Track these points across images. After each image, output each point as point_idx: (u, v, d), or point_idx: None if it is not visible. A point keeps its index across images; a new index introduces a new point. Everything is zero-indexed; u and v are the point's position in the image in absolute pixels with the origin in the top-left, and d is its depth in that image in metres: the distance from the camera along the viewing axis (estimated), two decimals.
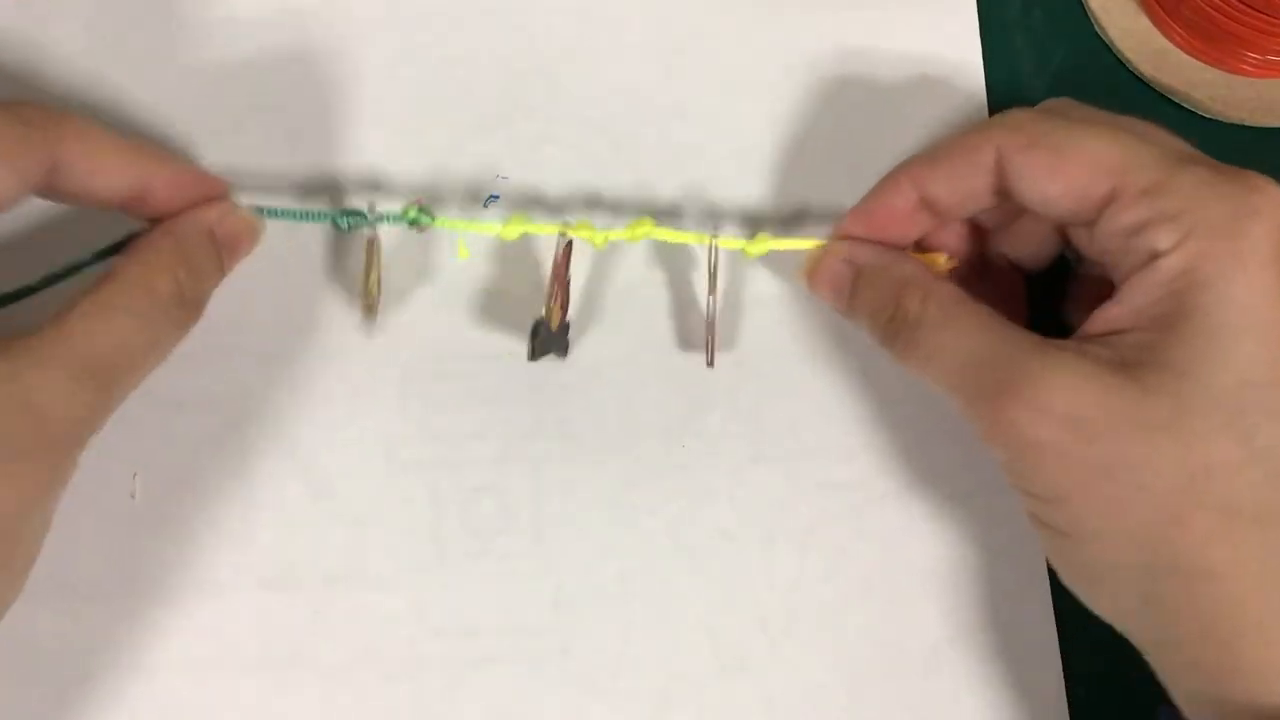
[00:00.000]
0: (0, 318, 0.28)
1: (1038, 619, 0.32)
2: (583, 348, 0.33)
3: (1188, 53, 0.37)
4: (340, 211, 0.31)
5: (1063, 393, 0.24)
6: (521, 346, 0.33)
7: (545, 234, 0.31)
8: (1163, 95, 0.37)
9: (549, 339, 0.31)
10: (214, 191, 0.29)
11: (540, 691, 0.30)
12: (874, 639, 0.31)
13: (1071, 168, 0.26)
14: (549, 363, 0.33)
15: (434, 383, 0.32)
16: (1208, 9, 0.35)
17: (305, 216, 0.31)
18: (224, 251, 0.29)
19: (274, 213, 0.30)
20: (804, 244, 0.31)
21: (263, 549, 0.31)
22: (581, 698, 0.30)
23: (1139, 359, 0.25)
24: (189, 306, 0.27)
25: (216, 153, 0.33)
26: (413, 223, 0.31)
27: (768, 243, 0.32)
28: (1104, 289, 0.28)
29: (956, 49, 0.36)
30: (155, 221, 0.28)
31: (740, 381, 0.33)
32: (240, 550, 0.31)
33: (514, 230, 0.31)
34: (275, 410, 0.32)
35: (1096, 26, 0.37)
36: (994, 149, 0.27)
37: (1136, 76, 0.37)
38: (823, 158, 0.35)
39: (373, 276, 0.30)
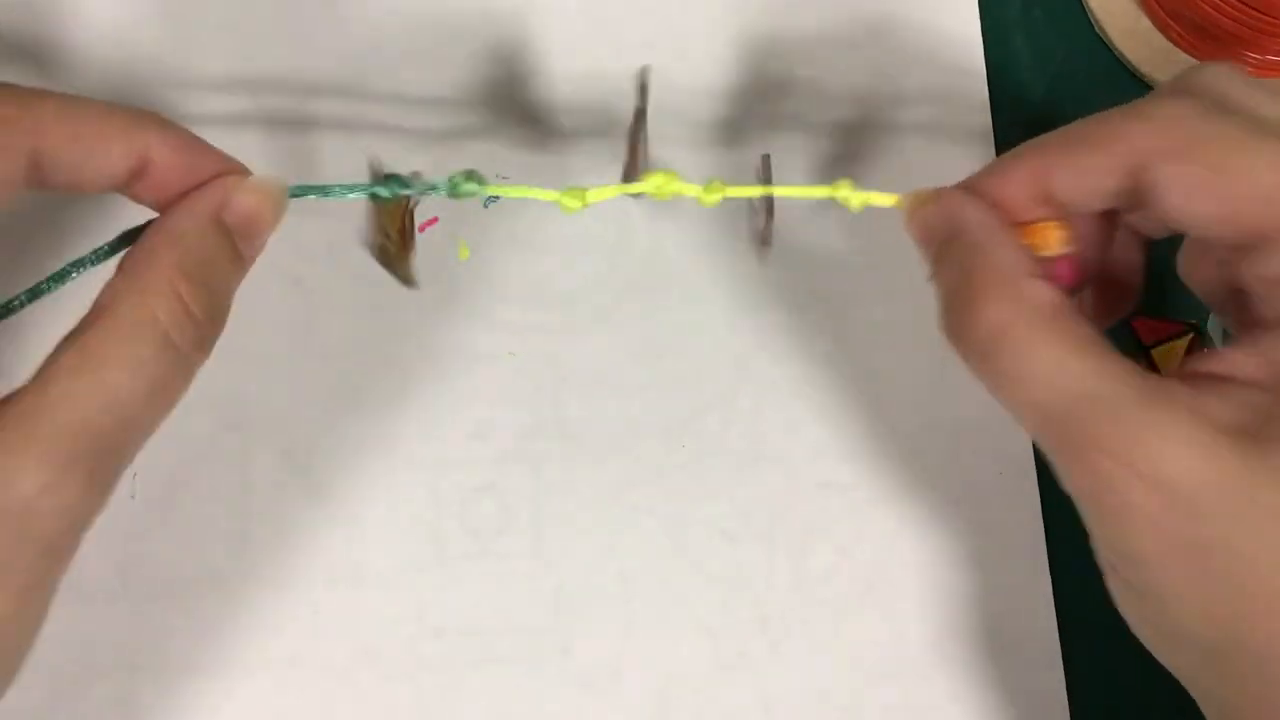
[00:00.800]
0: None
1: (1038, 619, 0.32)
2: (583, 348, 0.33)
3: (1188, 53, 0.37)
4: (380, 180, 0.26)
5: (1167, 459, 0.21)
6: (521, 346, 0.33)
7: (610, 196, 0.27)
8: None
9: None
10: (220, 165, 0.24)
11: (540, 691, 0.30)
12: (874, 639, 0.31)
13: (1231, 191, 0.22)
14: (548, 362, 0.33)
15: (434, 382, 0.32)
16: (1208, 9, 0.35)
17: (339, 192, 0.25)
18: (240, 239, 0.23)
19: (305, 190, 0.25)
20: (902, 197, 0.26)
21: (263, 549, 0.31)
22: (581, 698, 0.30)
23: (1263, 429, 0.21)
24: (201, 327, 0.22)
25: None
26: (454, 193, 0.26)
27: (863, 195, 0.27)
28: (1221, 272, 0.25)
29: (956, 48, 0.36)
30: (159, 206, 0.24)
31: (740, 381, 0.33)
32: (240, 550, 0.31)
33: (573, 200, 0.27)
34: (275, 411, 0.32)
35: (1096, 27, 0.37)
36: (1134, 150, 0.23)
37: (1136, 76, 0.37)
38: (822, 158, 0.35)
39: (393, 234, 0.27)
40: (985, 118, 0.36)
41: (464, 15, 0.36)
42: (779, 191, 0.27)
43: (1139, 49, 0.37)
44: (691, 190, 0.27)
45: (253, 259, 0.24)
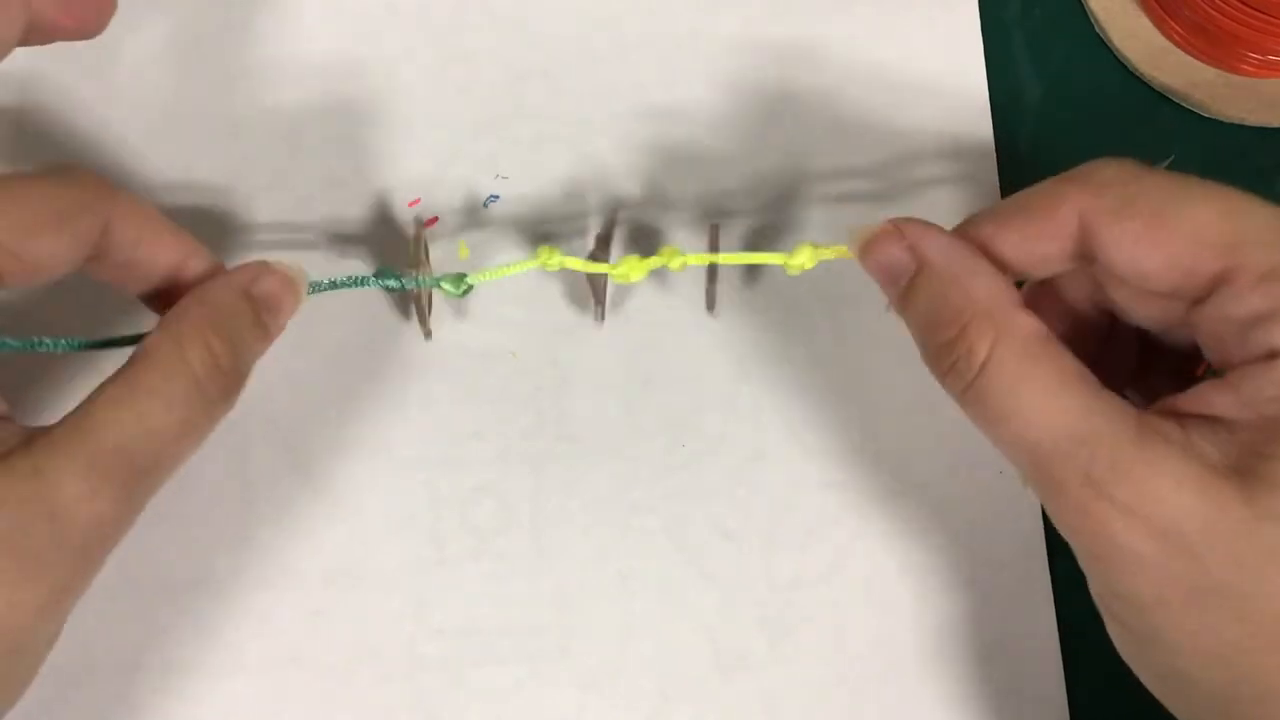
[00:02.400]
0: (21, 406, 0.27)
1: (1038, 620, 0.32)
2: (583, 348, 0.33)
3: (1188, 53, 0.37)
4: (383, 275, 0.29)
5: (1166, 501, 0.21)
6: (521, 346, 0.33)
7: (580, 267, 0.30)
8: (1163, 95, 0.37)
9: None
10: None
11: (540, 691, 0.30)
12: (874, 639, 0.31)
13: (1174, 239, 0.22)
14: (548, 362, 0.33)
15: (434, 382, 0.32)
16: (1208, 9, 0.35)
17: (349, 283, 0.29)
18: (265, 312, 0.26)
19: (317, 286, 0.28)
20: (839, 251, 0.27)
21: (262, 549, 0.31)
22: (581, 698, 0.30)
23: (1252, 467, 0.21)
24: (227, 378, 0.25)
25: (220, 155, 0.34)
26: (451, 291, 0.30)
27: (809, 251, 0.28)
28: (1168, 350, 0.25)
29: (956, 49, 0.36)
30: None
31: (740, 381, 0.33)
32: (240, 550, 0.31)
33: (554, 261, 0.29)
34: (275, 410, 0.32)
35: (1096, 26, 0.37)
36: (1076, 211, 0.23)
37: (1136, 76, 0.37)
38: (821, 157, 0.35)
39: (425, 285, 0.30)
40: (985, 118, 0.36)
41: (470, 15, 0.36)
42: (727, 259, 0.30)
43: (1139, 49, 0.37)
44: (657, 262, 0.29)
45: (275, 334, 0.27)
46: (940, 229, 0.25)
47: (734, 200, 0.34)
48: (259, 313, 0.26)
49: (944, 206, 0.35)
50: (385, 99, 0.35)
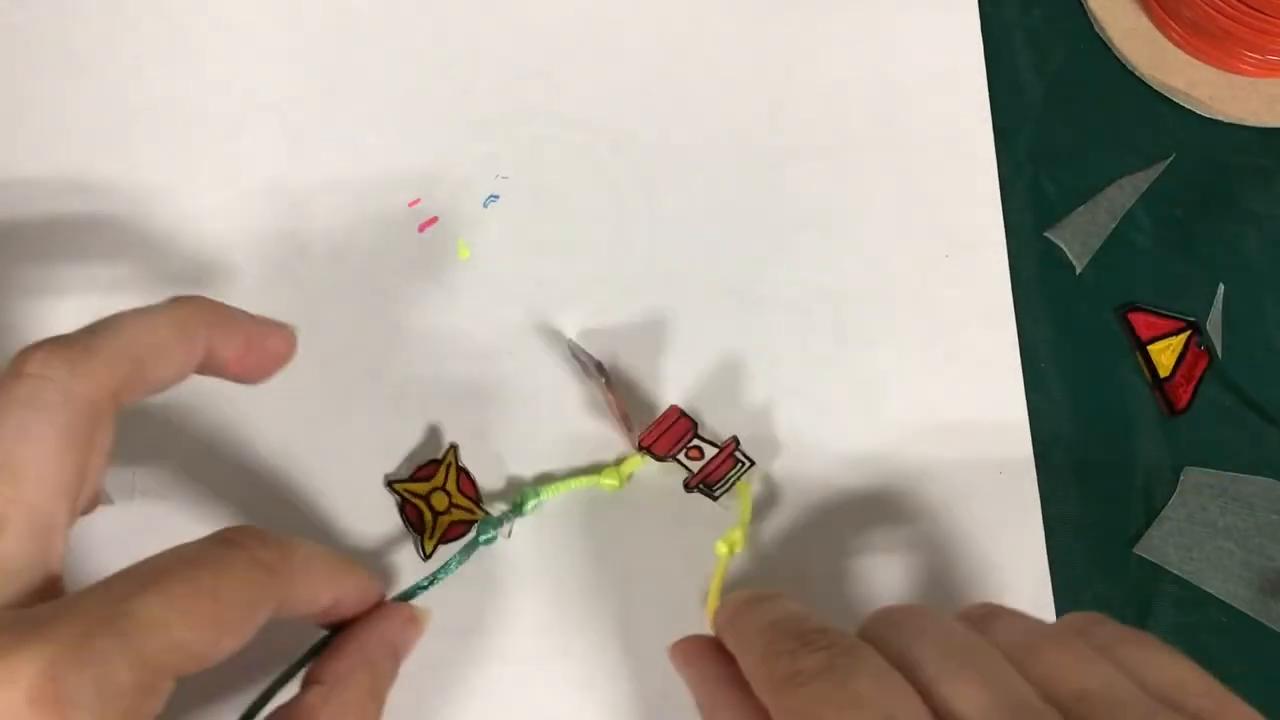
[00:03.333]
0: None
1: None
2: (583, 348, 0.33)
3: (1188, 53, 0.37)
4: (474, 540, 0.30)
5: None
6: (518, 346, 0.33)
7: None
8: (1163, 95, 0.37)
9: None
10: (378, 594, 0.27)
11: (540, 691, 0.30)
12: None
13: None
14: (548, 363, 0.33)
15: (432, 383, 0.32)
16: (1208, 9, 0.35)
17: (445, 570, 0.30)
18: (400, 659, 0.27)
19: (418, 587, 0.29)
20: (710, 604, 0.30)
21: None
22: (582, 697, 0.30)
23: None
24: None
25: (218, 150, 0.34)
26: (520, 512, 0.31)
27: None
28: None
29: (956, 49, 0.36)
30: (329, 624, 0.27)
31: (740, 380, 0.33)
32: None
33: (611, 479, 0.31)
34: (274, 410, 0.32)
35: (1096, 26, 0.38)
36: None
37: (1136, 76, 0.37)
38: (822, 157, 0.35)
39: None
40: (985, 117, 0.36)
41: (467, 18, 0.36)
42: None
43: (1139, 49, 0.37)
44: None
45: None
46: (694, 665, 0.26)
47: (733, 202, 0.34)
48: (398, 662, 0.27)
49: (943, 206, 0.35)
50: (385, 99, 0.35)
